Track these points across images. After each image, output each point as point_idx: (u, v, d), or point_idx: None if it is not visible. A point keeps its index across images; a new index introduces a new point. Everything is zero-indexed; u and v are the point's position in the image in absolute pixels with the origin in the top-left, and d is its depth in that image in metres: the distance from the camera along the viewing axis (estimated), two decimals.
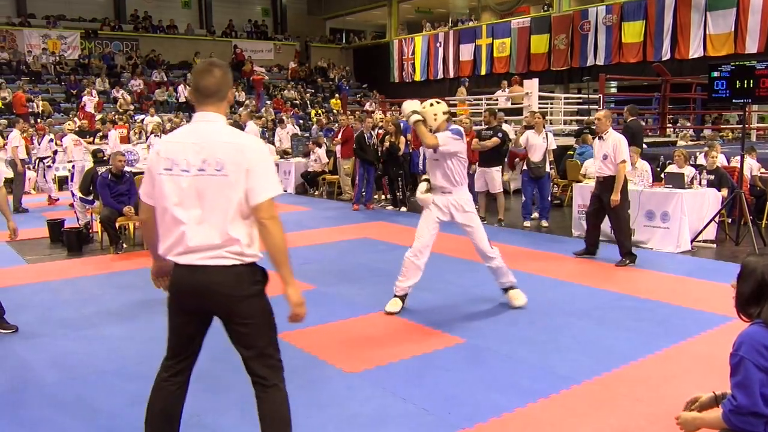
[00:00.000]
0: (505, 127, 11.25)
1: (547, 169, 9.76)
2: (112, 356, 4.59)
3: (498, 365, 4.35)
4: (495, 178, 9.71)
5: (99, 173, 8.59)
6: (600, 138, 7.32)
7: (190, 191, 2.57)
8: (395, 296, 5.55)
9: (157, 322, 5.30)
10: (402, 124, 12.33)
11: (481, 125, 11.23)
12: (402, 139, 11.78)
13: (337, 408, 3.70)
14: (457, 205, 5.45)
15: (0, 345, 4.80)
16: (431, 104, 5.42)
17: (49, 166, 13.99)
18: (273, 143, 16.62)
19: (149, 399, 2.79)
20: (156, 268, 2.89)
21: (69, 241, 8.31)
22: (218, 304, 2.61)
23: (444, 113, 5.41)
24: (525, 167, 9.82)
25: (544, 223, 9.69)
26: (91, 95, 21.04)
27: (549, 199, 10.09)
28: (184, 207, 2.58)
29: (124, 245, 8.32)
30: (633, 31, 20.22)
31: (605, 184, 7.17)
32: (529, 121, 10.27)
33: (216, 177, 2.55)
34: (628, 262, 7.12)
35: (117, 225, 8.27)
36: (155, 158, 2.67)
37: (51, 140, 13.92)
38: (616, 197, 7.03)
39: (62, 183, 14.81)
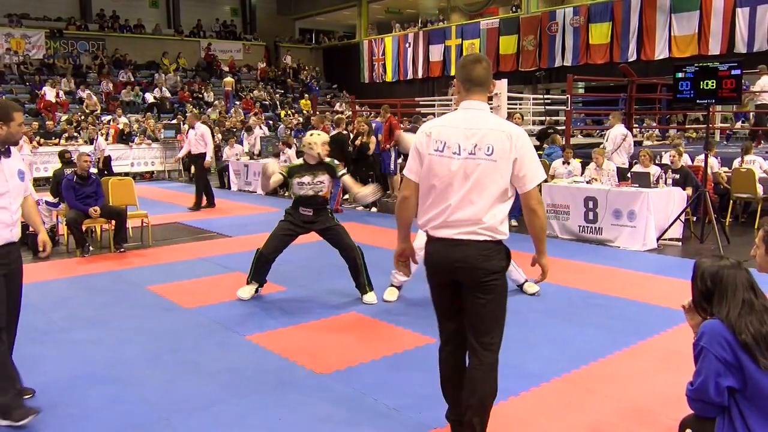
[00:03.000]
0: None
1: None
2: (82, 361, 4.52)
3: None
4: None
5: (65, 175, 8.45)
6: None
7: (459, 172, 2.83)
8: (392, 285, 5.95)
9: (126, 325, 5.26)
10: (374, 124, 12.34)
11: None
12: (372, 139, 11.76)
13: (308, 409, 3.69)
14: None
15: None
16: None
17: None
18: (240, 144, 16.57)
19: None
20: (400, 250, 3.14)
21: (34, 244, 8.13)
22: (467, 274, 2.86)
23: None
24: None
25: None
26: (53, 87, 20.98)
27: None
28: (451, 186, 2.84)
29: (91, 248, 8.19)
30: (600, 33, 20.47)
31: None
32: None
33: (486, 161, 2.81)
34: None
35: (84, 227, 8.14)
36: (425, 140, 2.92)
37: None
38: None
39: None
